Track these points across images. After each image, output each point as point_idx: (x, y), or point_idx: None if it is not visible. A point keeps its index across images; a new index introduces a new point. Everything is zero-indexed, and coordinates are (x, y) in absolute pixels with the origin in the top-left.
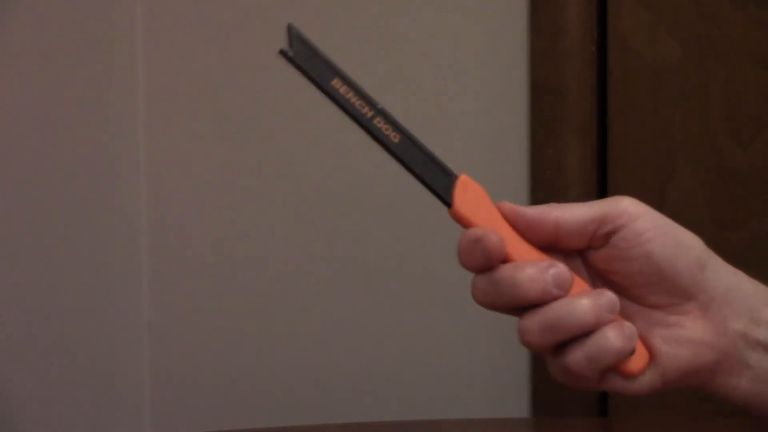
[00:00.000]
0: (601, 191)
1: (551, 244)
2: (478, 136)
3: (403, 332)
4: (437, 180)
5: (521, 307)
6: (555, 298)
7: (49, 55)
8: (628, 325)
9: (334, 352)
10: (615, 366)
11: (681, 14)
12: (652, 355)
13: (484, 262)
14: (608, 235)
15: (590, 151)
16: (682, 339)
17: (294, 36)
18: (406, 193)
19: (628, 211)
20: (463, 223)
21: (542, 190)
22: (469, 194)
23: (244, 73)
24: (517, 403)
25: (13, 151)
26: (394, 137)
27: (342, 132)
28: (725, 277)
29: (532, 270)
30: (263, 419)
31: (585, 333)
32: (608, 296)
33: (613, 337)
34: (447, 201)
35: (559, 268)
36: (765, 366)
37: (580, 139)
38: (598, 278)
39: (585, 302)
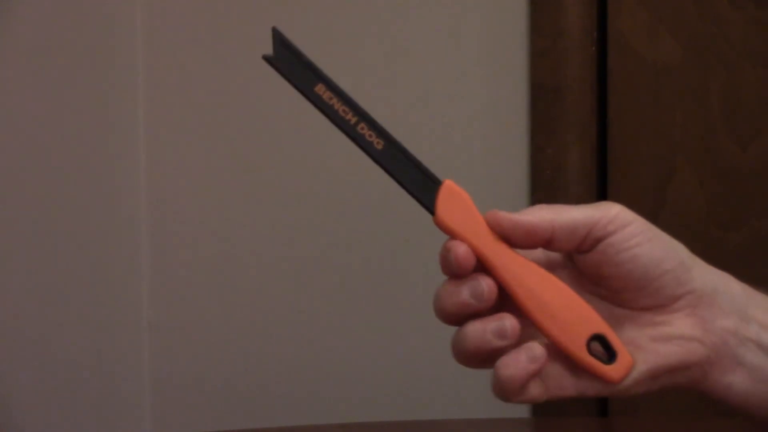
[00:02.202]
0: (601, 191)
1: (541, 245)
2: (478, 136)
3: (403, 332)
4: (421, 187)
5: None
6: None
7: (50, 55)
8: (528, 347)
9: (334, 352)
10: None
11: (681, 14)
12: (639, 354)
13: (453, 272)
14: (597, 241)
15: (590, 151)
16: (671, 336)
17: (277, 40)
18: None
19: (619, 217)
20: (446, 230)
21: (542, 190)
22: (452, 201)
23: (244, 74)
24: (517, 404)
25: (14, 151)
26: (378, 144)
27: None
28: (712, 277)
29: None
30: (263, 419)
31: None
32: (498, 323)
33: (501, 366)
34: (430, 208)
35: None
36: (758, 363)
37: (580, 139)
38: (589, 283)
39: (471, 328)
